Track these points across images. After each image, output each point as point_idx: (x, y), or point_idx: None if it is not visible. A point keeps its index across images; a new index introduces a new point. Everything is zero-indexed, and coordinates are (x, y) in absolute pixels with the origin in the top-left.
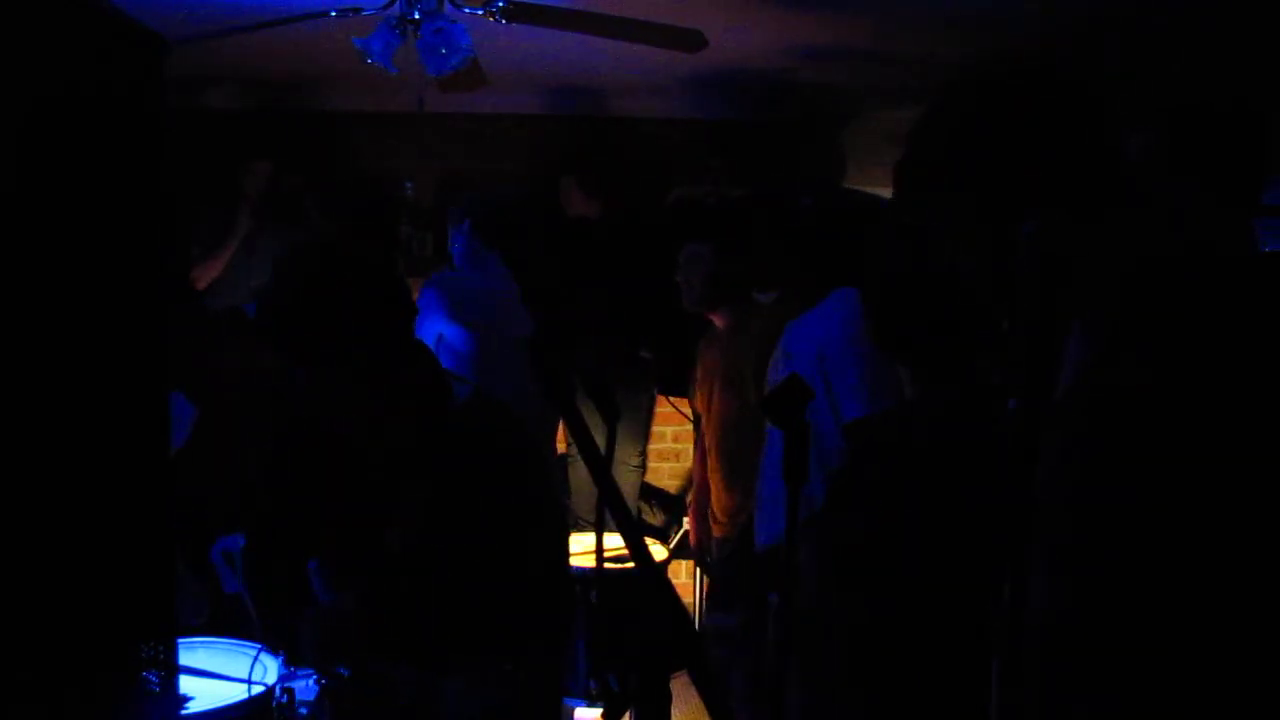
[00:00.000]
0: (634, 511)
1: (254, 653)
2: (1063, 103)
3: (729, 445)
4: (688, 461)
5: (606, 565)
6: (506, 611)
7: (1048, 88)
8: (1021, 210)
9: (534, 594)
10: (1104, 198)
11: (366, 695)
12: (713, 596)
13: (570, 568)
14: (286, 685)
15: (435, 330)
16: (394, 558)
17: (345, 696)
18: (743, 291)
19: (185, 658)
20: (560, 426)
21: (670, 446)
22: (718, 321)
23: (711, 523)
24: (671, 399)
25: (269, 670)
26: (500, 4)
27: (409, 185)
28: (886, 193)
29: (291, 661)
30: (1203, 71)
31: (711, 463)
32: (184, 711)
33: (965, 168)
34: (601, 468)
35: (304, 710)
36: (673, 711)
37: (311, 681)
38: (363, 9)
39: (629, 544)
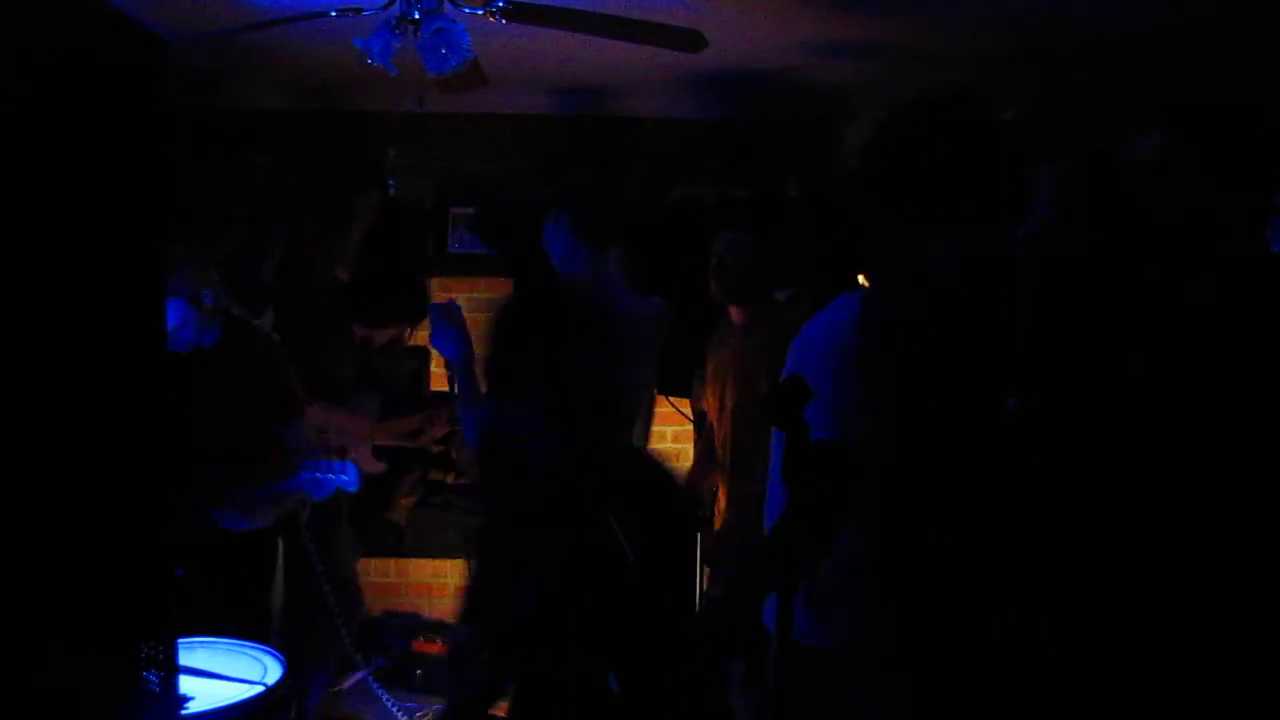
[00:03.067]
0: None
1: (254, 653)
2: (972, 130)
3: (741, 443)
4: (688, 461)
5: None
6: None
7: (960, 119)
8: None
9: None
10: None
11: None
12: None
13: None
14: None
15: None
16: None
17: None
18: (769, 287)
19: (185, 658)
20: None
21: (670, 446)
22: (735, 317)
23: (717, 520)
24: (671, 399)
25: (269, 670)
26: (500, 4)
27: (392, 184)
28: None
29: None
30: (1203, 71)
31: (721, 460)
32: (184, 711)
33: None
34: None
35: None
36: None
37: None
38: (363, 9)
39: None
